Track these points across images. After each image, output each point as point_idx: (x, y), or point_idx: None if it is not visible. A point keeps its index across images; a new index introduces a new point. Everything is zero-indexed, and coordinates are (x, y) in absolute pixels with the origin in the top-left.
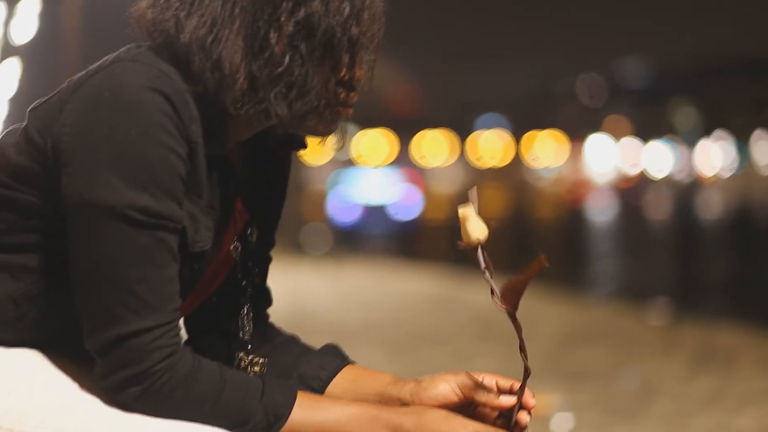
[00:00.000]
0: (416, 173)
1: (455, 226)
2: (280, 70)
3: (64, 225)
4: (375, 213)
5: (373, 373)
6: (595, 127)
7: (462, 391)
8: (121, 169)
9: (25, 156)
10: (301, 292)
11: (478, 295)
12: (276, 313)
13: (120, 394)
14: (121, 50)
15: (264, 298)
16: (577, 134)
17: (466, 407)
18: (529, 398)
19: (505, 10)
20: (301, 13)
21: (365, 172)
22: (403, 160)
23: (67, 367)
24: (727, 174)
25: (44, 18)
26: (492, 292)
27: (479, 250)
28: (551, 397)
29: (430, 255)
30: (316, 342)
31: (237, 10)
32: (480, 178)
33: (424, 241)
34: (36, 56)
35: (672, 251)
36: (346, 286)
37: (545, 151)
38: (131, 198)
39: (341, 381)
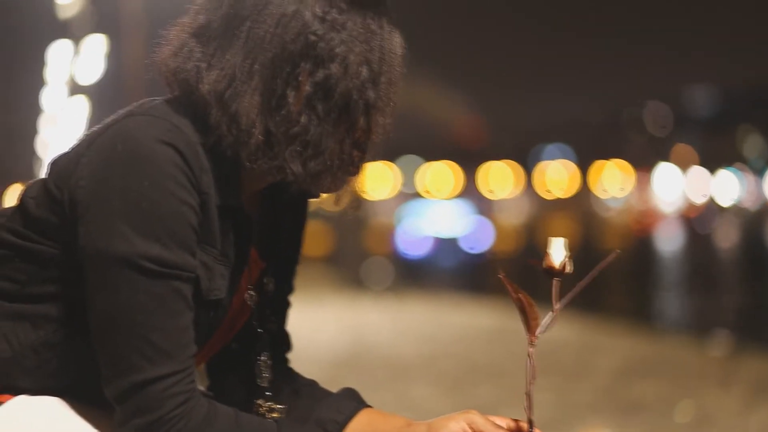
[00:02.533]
0: (485, 205)
1: (519, 257)
2: (296, 129)
3: (82, 275)
4: (446, 246)
5: (387, 416)
6: (662, 156)
7: (473, 429)
8: (134, 220)
9: (43, 208)
10: (360, 327)
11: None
12: (335, 348)
13: None
14: (135, 104)
15: (283, 343)
16: (643, 163)
17: None
18: None
19: (571, 41)
20: (320, 75)
21: (434, 205)
22: (469, 192)
23: (87, 414)
24: None
25: (110, 57)
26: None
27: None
28: None
29: (496, 288)
30: (374, 377)
31: (256, 66)
32: (546, 209)
33: (491, 273)
34: (102, 94)
35: (738, 281)
36: (406, 321)
37: (612, 180)
38: (144, 248)
39: (357, 424)
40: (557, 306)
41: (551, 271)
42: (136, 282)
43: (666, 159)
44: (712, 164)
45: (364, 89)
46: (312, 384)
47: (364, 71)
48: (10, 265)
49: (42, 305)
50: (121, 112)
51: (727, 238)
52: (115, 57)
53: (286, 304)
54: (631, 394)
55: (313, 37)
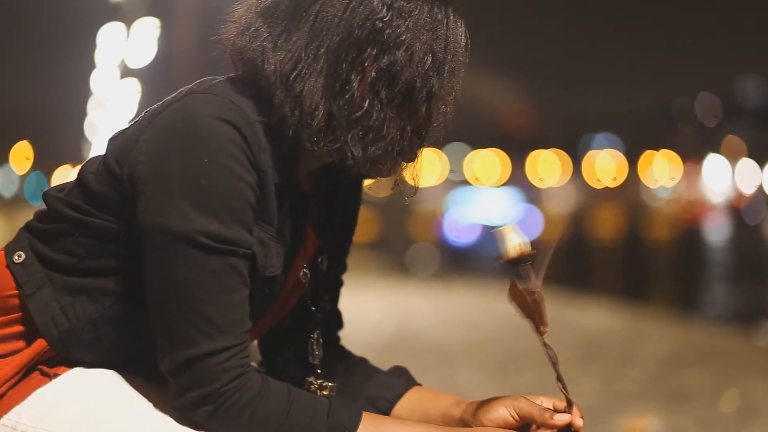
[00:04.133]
0: (533, 193)
1: (568, 246)
2: (358, 113)
3: (141, 250)
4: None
5: (437, 394)
6: (712, 147)
7: (519, 415)
8: (193, 196)
9: (103, 184)
10: (406, 312)
11: (584, 315)
12: (380, 333)
13: (192, 414)
14: (195, 83)
15: (335, 322)
16: (692, 154)
17: (525, 429)
18: (576, 419)
19: (621, 30)
20: (385, 61)
21: (481, 192)
22: (516, 180)
23: (142, 387)
24: None
25: (161, 40)
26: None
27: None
28: (649, 420)
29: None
30: (420, 362)
31: (323, 50)
32: (595, 198)
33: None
34: (153, 77)
35: None
36: (451, 307)
37: (660, 171)
38: (202, 225)
39: (407, 402)
40: (538, 286)
41: (513, 262)
42: (193, 257)
43: (715, 150)
44: (762, 156)
45: (427, 77)
46: (363, 362)
47: (429, 60)
48: (69, 239)
49: (100, 279)
50: (182, 90)
51: None
52: (166, 40)
53: (339, 283)
54: (677, 383)
55: (379, 24)
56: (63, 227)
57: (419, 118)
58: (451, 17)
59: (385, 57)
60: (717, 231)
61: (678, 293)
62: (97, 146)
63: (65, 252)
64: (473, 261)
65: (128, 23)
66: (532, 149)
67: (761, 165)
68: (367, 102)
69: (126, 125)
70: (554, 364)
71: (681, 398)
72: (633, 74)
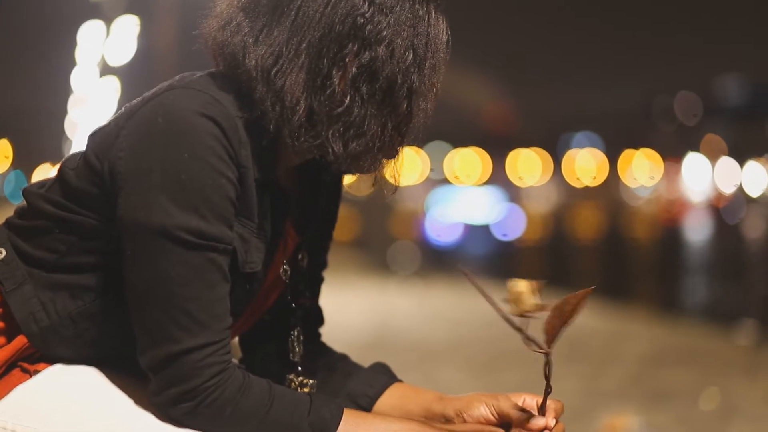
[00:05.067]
0: (514, 192)
1: (548, 245)
2: (339, 109)
3: (121, 246)
4: (476, 233)
5: (419, 390)
6: (691, 146)
7: (498, 414)
8: (173, 191)
9: (84, 180)
10: (387, 311)
11: None
12: (361, 331)
13: (172, 410)
14: (176, 78)
15: (316, 318)
16: (672, 153)
17: (505, 426)
18: (550, 420)
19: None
20: (366, 57)
21: (462, 191)
22: (497, 179)
23: (122, 383)
24: None
25: (141, 38)
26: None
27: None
28: (631, 419)
29: (523, 275)
30: (402, 361)
31: (304, 45)
32: (575, 197)
33: (519, 261)
34: (133, 75)
35: (765, 271)
36: (433, 305)
37: (640, 170)
38: (183, 220)
39: (388, 398)
40: (550, 349)
41: (525, 315)
42: (173, 253)
43: (695, 149)
44: (741, 155)
45: (408, 74)
46: (344, 358)
47: (410, 56)
48: (49, 235)
49: (80, 275)
50: (162, 85)
51: (755, 228)
52: (146, 38)
53: (320, 280)
54: (658, 382)
55: (361, 19)
56: (43, 224)
57: (400, 114)
58: (433, 14)
59: (366, 53)
60: (697, 230)
61: (658, 292)
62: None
63: (45, 248)
64: (454, 260)
65: (108, 21)
66: (513, 148)
67: (741, 164)
68: (348, 98)
69: (105, 121)
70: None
71: (662, 397)
72: (613, 73)
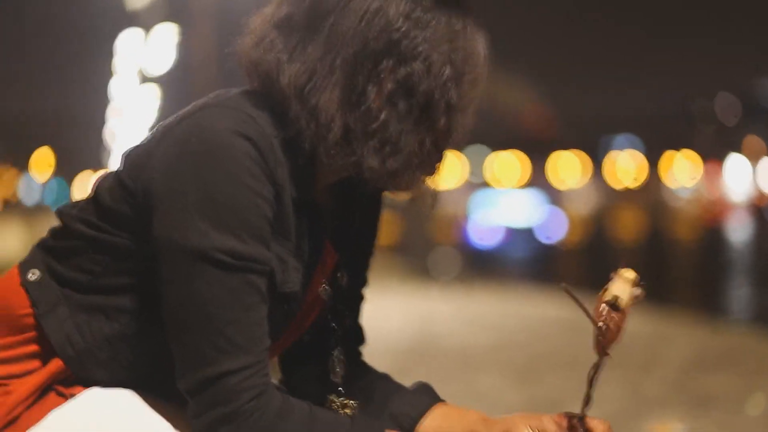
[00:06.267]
0: (554, 195)
1: (590, 248)
2: (375, 125)
3: (156, 267)
4: (518, 236)
5: (462, 411)
6: (733, 147)
7: None
8: (209, 212)
9: (118, 200)
10: (428, 316)
11: None
12: (402, 337)
13: None
14: (210, 95)
15: (356, 337)
16: (713, 154)
17: None
18: None
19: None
20: (402, 72)
21: (505, 194)
22: (537, 181)
23: (159, 406)
24: None
25: (180, 46)
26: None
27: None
28: (673, 427)
29: (565, 278)
30: (442, 366)
31: (338, 62)
32: (615, 199)
33: (560, 264)
34: (173, 83)
35: None
36: (473, 311)
37: (681, 171)
38: (219, 241)
39: (431, 420)
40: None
41: (615, 306)
42: (210, 275)
43: (736, 149)
44: None
45: (446, 89)
46: (385, 378)
47: (447, 71)
48: (84, 256)
49: (116, 297)
50: (197, 103)
51: None
52: (185, 47)
53: (360, 298)
54: (702, 387)
55: (396, 35)
56: (78, 244)
57: (438, 130)
58: (470, 28)
59: (402, 68)
60: (739, 231)
61: (701, 295)
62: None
63: (80, 269)
64: (496, 264)
65: (147, 29)
66: (552, 150)
67: None
68: (383, 114)
69: (139, 141)
70: (591, 385)
71: (706, 403)
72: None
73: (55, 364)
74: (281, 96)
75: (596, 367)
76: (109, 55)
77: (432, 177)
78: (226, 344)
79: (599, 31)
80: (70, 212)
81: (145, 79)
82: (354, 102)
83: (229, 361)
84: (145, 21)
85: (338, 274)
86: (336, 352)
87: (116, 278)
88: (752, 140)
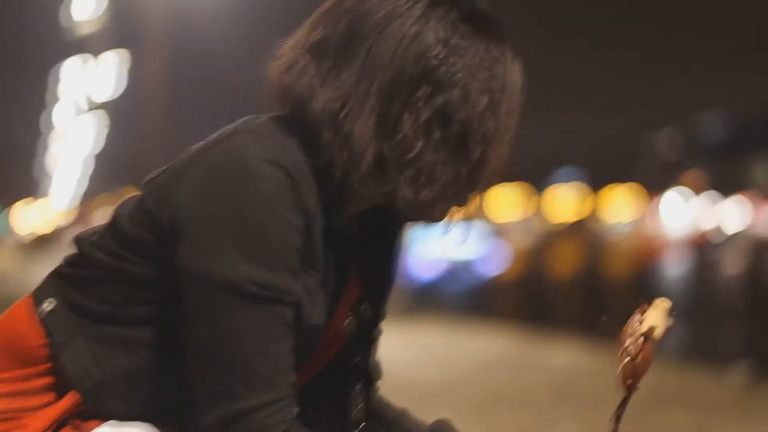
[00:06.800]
0: (496, 228)
1: (529, 281)
2: (411, 155)
3: (180, 296)
4: (459, 268)
5: None
6: (674, 182)
7: None
8: (240, 241)
9: (140, 227)
10: (378, 350)
11: (556, 355)
12: None
13: None
14: (239, 121)
15: (374, 372)
16: (655, 188)
17: None
18: None
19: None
20: (440, 100)
21: (444, 226)
22: (479, 214)
23: None
24: None
25: (131, 73)
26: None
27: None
28: None
29: (505, 312)
30: (396, 401)
31: (374, 88)
32: (556, 232)
33: (501, 298)
34: (121, 109)
35: (748, 308)
36: (421, 345)
37: (622, 205)
38: (250, 272)
39: None
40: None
41: (647, 336)
42: (239, 306)
43: (677, 184)
44: (723, 190)
45: (484, 118)
46: (404, 414)
47: (485, 99)
48: (102, 285)
49: (135, 328)
50: (225, 129)
51: (736, 264)
52: (136, 73)
53: (379, 332)
54: (656, 424)
55: (434, 61)
56: (96, 273)
57: (474, 160)
58: (508, 55)
59: (440, 96)
60: (677, 266)
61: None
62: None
63: (98, 299)
64: (439, 297)
65: (93, 56)
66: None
67: (723, 198)
68: (420, 143)
69: (163, 166)
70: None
71: None
72: (597, 108)
73: (71, 398)
74: (313, 122)
75: (624, 402)
76: (48, 82)
77: (465, 208)
78: (252, 378)
79: (545, 64)
80: (87, 239)
81: (92, 106)
82: (389, 130)
83: (255, 397)
84: (93, 47)
85: (362, 307)
86: (357, 387)
87: (136, 308)
88: (694, 174)
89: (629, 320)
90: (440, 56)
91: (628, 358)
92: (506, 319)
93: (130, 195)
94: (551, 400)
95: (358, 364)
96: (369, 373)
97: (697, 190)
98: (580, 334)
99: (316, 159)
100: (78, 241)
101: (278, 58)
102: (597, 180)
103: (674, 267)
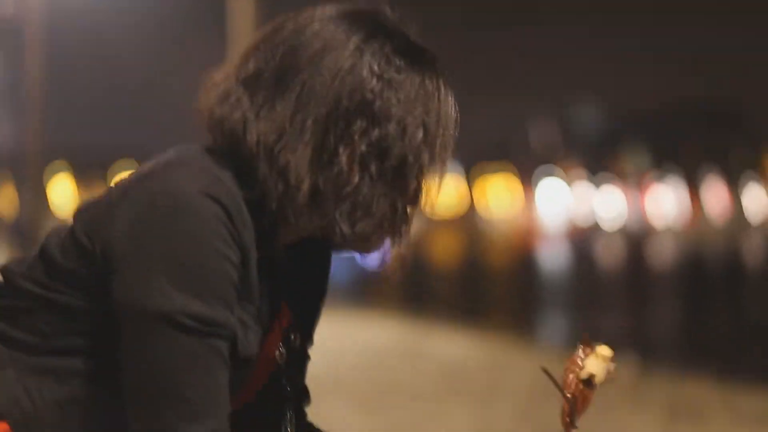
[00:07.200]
0: None
1: (411, 274)
2: (348, 189)
3: (113, 328)
4: (341, 261)
5: None
6: (549, 172)
7: None
8: (175, 275)
9: (71, 259)
10: None
11: (444, 346)
12: None
13: None
14: (172, 152)
15: (304, 397)
16: (530, 179)
17: None
18: None
19: (459, 55)
20: (376, 134)
21: None
22: None
23: None
24: (679, 222)
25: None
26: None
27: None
28: None
29: (391, 304)
30: None
31: (309, 122)
32: (433, 224)
33: (386, 289)
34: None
35: (624, 298)
36: None
37: (498, 197)
38: (185, 305)
39: None
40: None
41: (587, 382)
42: (174, 339)
43: (552, 175)
44: (597, 180)
45: (419, 152)
46: None
47: (421, 133)
48: (32, 316)
49: (67, 358)
50: (159, 161)
51: (610, 255)
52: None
53: (307, 357)
54: (546, 419)
55: (370, 95)
56: (25, 304)
57: (410, 193)
58: (443, 90)
59: (376, 130)
60: (553, 257)
61: (521, 325)
62: None
63: (28, 330)
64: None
65: None
66: None
67: (597, 188)
68: (356, 176)
69: (96, 197)
70: None
71: None
72: (470, 102)
73: (1, 428)
74: (248, 155)
75: None
76: None
77: (400, 240)
78: (188, 411)
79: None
80: (15, 269)
81: None
82: (325, 163)
83: (192, 428)
84: None
85: (292, 336)
86: (288, 414)
87: (68, 339)
88: (568, 165)
89: (571, 358)
90: (375, 90)
91: (570, 395)
92: (392, 310)
93: (58, 225)
94: (442, 393)
95: (288, 390)
96: (300, 399)
97: (572, 180)
98: (465, 325)
99: (252, 192)
100: (5, 271)
101: (210, 89)
102: (473, 171)
103: (552, 257)
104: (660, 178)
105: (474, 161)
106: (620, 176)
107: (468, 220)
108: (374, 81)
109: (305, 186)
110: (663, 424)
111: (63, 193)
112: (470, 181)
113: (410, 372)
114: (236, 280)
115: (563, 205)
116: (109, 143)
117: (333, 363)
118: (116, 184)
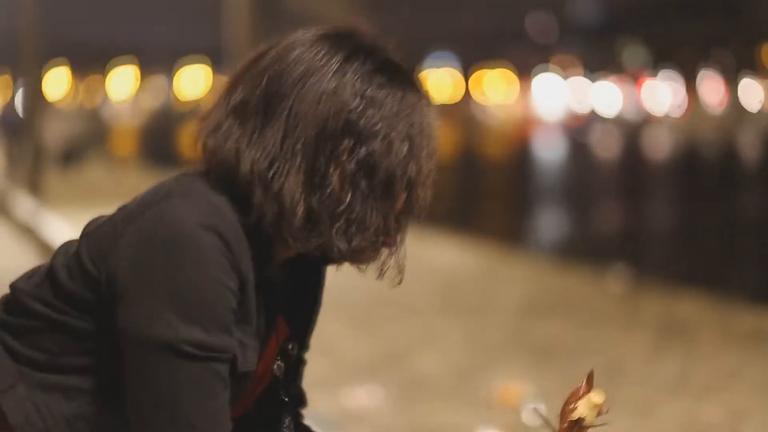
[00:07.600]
0: None
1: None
2: (341, 207)
3: (118, 348)
4: None
5: None
6: (545, 65)
7: None
8: (178, 305)
9: (77, 283)
10: None
11: (439, 255)
12: None
13: None
14: (173, 180)
15: (299, 402)
16: (527, 72)
17: None
18: None
19: None
20: (363, 152)
21: None
22: None
23: None
24: (675, 112)
25: None
26: None
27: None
28: (523, 388)
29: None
30: None
31: (299, 146)
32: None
33: None
34: None
35: (621, 194)
36: None
37: (495, 88)
38: (187, 333)
39: None
40: None
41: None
42: (176, 366)
43: (548, 68)
44: (594, 73)
45: (406, 164)
46: None
47: (406, 147)
48: (40, 335)
49: (75, 376)
50: (159, 190)
51: (606, 147)
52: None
53: (304, 363)
54: (540, 335)
55: (353, 115)
56: (33, 324)
57: (400, 204)
58: (423, 100)
59: (363, 148)
60: (550, 149)
61: (516, 220)
62: None
63: (37, 348)
64: None
65: None
66: None
67: (593, 82)
68: (348, 194)
69: (99, 219)
70: None
71: (546, 353)
72: None
73: None
74: (243, 182)
75: None
76: None
77: (396, 248)
78: None
79: None
80: (24, 288)
81: None
82: (317, 184)
83: None
84: None
85: (290, 347)
86: (287, 422)
87: (75, 358)
88: (564, 57)
89: (574, 390)
90: (359, 109)
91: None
92: None
93: (66, 243)
94: (437, 307)
95: (288, 402)
96: (297, 404)
97: (568, 73)
98: (458, 229)
99: (248, 217)
100: (14, 290)
101: (203, 119)
102: (469, 63)
103: (548, 147)
104: (656, 72)
105: (470, 54)
106: (618, 69)
107: (463, 109)
108: (357, 100)
109: (300, 208)
110: (654, 341)
111: (60, 89)
112: (466, 71)
113: (406, 285)
114: (235, 306)
115: (560, 97)
116: (108, 41)
117: (328, 279)
118: (121, 209)
